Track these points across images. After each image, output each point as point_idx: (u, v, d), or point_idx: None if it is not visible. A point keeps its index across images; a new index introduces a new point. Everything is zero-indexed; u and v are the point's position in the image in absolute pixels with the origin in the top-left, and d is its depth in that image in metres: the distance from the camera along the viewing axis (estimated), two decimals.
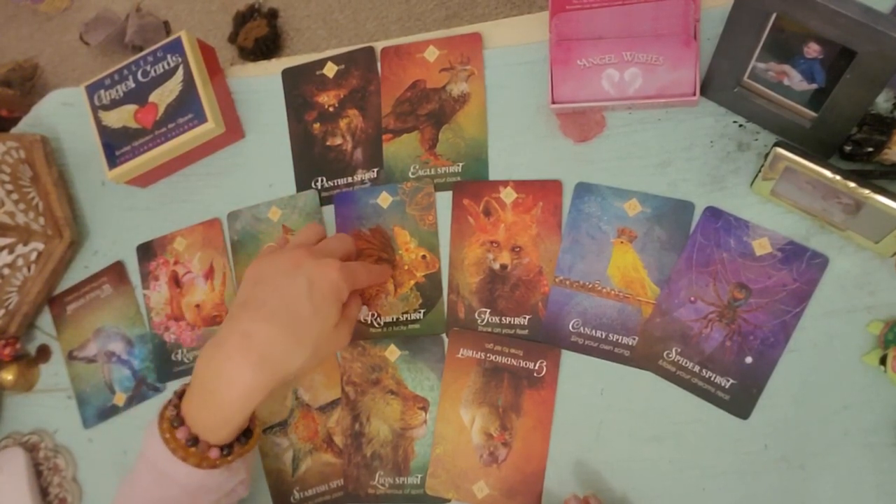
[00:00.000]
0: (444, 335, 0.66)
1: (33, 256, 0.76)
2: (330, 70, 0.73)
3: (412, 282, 0.67)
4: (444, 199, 0.67)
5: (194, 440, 0.54)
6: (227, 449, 0.55)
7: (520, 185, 0.65)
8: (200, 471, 0.53)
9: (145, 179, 0.76)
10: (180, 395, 0.57)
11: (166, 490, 0.54)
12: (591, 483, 0.60)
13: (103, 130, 0.74)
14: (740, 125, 0.60)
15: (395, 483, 0.65)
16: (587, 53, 0.60)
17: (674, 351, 0.59)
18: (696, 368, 0.58)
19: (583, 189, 0.63)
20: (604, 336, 0.61)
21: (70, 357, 0.78)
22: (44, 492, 0.76)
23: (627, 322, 0.61)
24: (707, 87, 0.60)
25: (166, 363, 0.74)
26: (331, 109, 0.72)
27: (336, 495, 0.67)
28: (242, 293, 0.57)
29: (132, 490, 0.57)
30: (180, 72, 0.72)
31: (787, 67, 0.54)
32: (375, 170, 0.70)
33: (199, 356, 0.55)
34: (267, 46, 1.91)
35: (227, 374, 0.53)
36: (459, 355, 0.64)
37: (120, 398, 0.75)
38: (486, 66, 0.68)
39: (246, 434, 0.58)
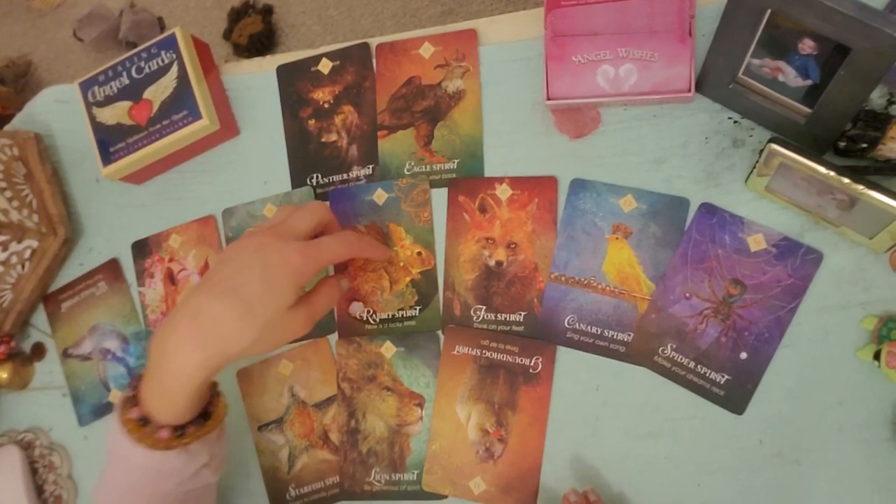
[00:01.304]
0: (439, 332, 0.66)
1: (27, 254, 0.76)
2: (325, 66, 0.73)
3: (408, 278, 0.67)
4: (439, 196, 0.67)
5: (146, 420, 0.53)
6: (180, 430, 0.54)
7: (515, 182, 0.65)
8: (156, 452, 0.53)
9: (140, 176, 0.76)
10: (141, 376, 0.56)
11: (129, 475, 0.54)
12: (588, 479, 0.60)
13: (97, 127, 0.73)
14: (735, 121, 0.60)
15: (391, 479, 0.65)
16: (582, 49, 0.60)
17: (669, 347, 0.59)
18: (692, 364, 0.59)
19: (578, 185, 0.63)
20: (599, 332, 0.61)
21: (65, 355, 0.78)
22: (39, 490, 0.76)
23: (623, 318, 0.61)
24: (702, 84, 0.60)
25: None
26: (326, 106, 0.72)
27: (332, 492, 0.67)
28: (206, 273, 0.56)
29: (104, 480, 0.56)
30: (175, 68, 0.72)
31: (781, 64, 0.54)
32: (371, 166, 0.70)
33: (153, 334, 0.54)
34: (262, 43, 1.90)
35: (173, 349, 0.52)
36: (455, 352, 0.64)
37: (115, 396, 0.75)
38: (481, 62, 0.68)
39: (206, 416, 0.57)
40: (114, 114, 0.73)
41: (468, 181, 0.66)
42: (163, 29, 2.08)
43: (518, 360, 0.63)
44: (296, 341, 0.69)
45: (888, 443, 0.54)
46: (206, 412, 0.57)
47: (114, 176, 0.74)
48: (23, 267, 0.76)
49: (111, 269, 0.77)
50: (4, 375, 0.77)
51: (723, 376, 0.58)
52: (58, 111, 0.83)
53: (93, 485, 0.75)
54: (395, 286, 0.67)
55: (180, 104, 0.71)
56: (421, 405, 0.65)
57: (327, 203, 0.59)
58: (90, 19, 2.07)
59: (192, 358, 0.52)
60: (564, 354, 0.62)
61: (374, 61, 0.71)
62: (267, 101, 0.75)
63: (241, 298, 0.52)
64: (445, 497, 0.63)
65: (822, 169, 0.51)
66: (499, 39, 0.68)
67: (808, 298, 0.57)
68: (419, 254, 0.67)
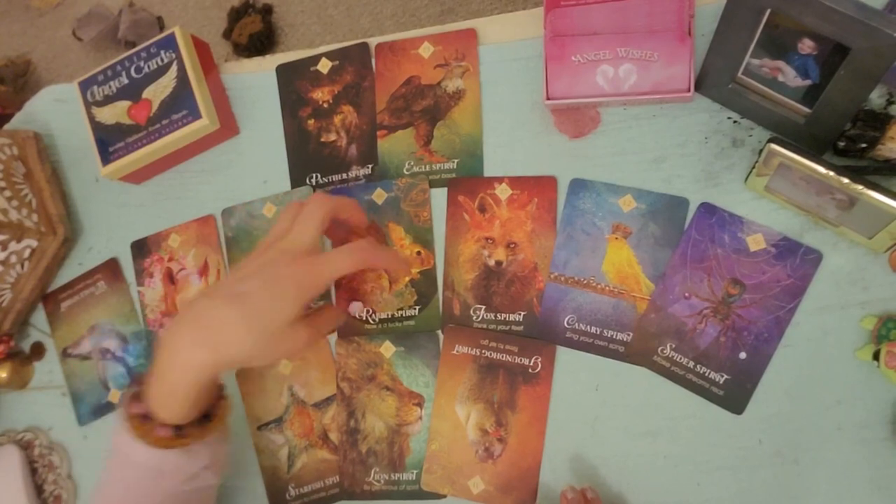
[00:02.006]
0: (439, 331, 0.66)
1: (27, 254, 0.75)
2: (324, 66, 0.73)
3: (407, 278, 0.67)
4: (438, 196, 0.67)
5: (147, 417, 0.54)
6: (180, 429, 0.54)
7: (515, 182, 0.65)
8: (155, 450, 0.53)
9: (139, 176, 0.76)
10: (145, 374, 0.56)
11: (130, 473, 0.54)
12: (587, 478, 0.60)
13: (97, 126, 0.73)
14: (735, 121, 0.60)
15: (390, 479, 0.65)
16: (582, 49, 0.60)
17: (668, 347, 0.59)
18: (691, 364, 0.59)
19: (577, 185, 0.63)
20: (599, 332, 0.61)
21: (64, 354, 0.78)
22: (39, 489, 0.76)
23: (622, 318, 0.61)
24: (701, 84, 0.60)
25: None
26: (325, 105, 0.72)
27: (331, 492, 0.67)
28: (214, 283, 0.56)
29: (104, 478, 0.57)
30: (174, 68, 0.72)
31: (781, 63, 0.54)
32: (370, 166, 0.70)
33: (161, 332, 0.55)
34: (261, 42, 1.90)
35: (172, 346, 0.53)
36: (455, 352, 0.64)
37: (115, 395, 0.75)
38: (480, 62, 0.68)
39: (208, 418, 0.57)
40: (113, 113, 0.73)
41: (468, 181, 0.66)
42: (162, 28, 2.08)
43: (517, 359, 0.63)
44: None
45: (887, 442, 0.54)
46: (208, 414, 0.57)
47: (113, 175, 0.74)
48: (22, 266, 0.76)
49: (110, 268, 0.77)
50: (4, 375, 0.76)
51: (722, 376, 0.58)
52: (57, 111, 0.83)
53: (93, 484, 0.75)
54: (394, 286, 0.67)
55: (180, 103, 0.71)
56: (420, 405, 0.65)
57: (325, 194, 0.59)
58: (89, 19, 2.07)
59: (192, 358, 0.52)
60: (564, 354, 0.62)
61: (373, 61, 0.71)
62: (266, 100, 0.75)
63: (244, 304, 0.53)
64: (444, 496, 0.64)
65: (821, 169, 0.51)
66: (498, 39, 0.68)
67: (807, 298, 0.57)
68: (418, 253, 0.67)
